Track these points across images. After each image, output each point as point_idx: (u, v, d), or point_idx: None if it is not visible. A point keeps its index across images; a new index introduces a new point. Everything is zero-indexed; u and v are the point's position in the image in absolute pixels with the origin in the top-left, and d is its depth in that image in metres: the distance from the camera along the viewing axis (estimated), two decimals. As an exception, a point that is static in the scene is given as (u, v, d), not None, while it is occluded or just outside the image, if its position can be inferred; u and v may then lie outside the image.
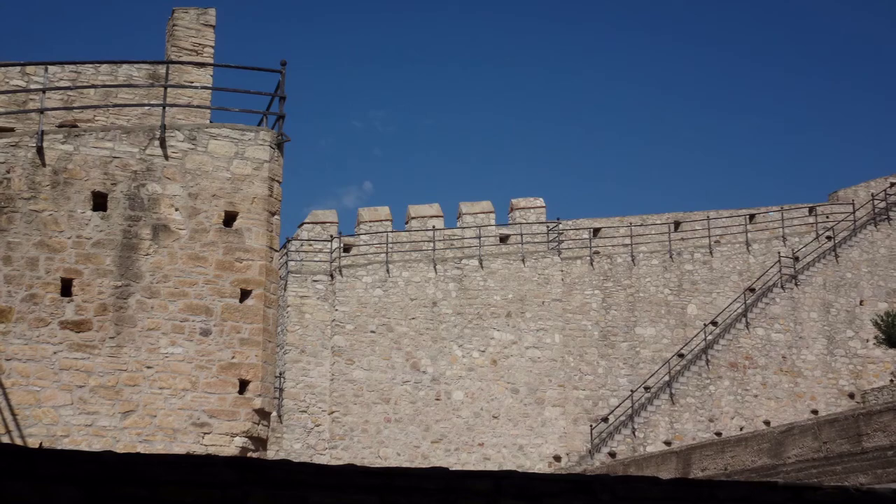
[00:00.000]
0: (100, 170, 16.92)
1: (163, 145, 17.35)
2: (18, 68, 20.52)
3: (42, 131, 16.92)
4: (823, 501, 7.59)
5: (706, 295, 39.91)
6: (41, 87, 18.82)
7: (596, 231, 39.89)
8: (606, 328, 38.47)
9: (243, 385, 16.87)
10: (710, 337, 38.81)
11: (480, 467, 34.53)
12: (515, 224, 39.00)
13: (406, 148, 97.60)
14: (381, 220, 37.54)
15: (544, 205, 39.71)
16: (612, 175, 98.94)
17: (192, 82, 21.71)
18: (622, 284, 39.17)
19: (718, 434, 36.08)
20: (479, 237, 38.02)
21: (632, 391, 37.18)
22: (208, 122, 20.09)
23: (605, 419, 37.01)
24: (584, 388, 37.51)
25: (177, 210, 17.14)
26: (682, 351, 38.44)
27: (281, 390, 33.33)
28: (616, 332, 38.52)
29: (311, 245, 36.43)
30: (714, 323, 39.01)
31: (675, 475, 26.74)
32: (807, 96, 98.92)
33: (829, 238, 42.04)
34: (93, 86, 20.84)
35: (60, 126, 19.10)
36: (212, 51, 22.37)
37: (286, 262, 35.37)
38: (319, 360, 34.94)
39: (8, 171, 16.48)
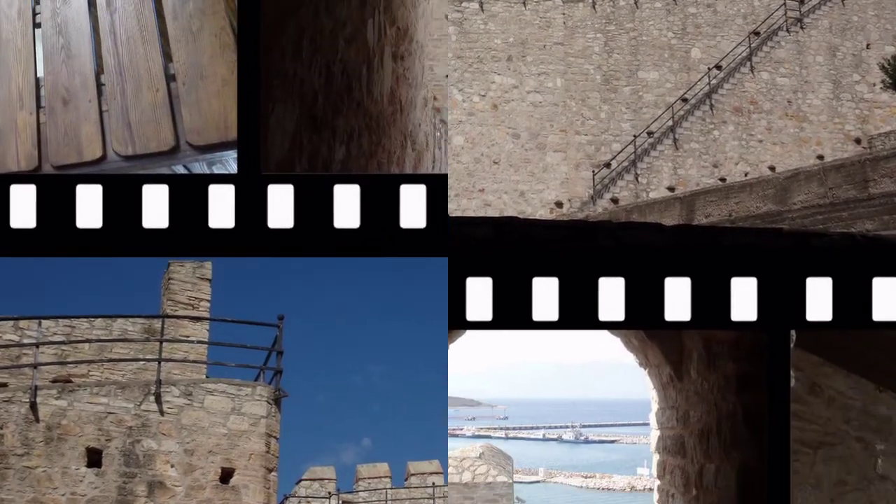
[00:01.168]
0: (94, 426, 16.83)
1: (158, 401, 17.20)
2: (11, 322, 20.50)
3: (36, 386, 16.73)
4: (829, 248, 7.43)
5: (710, 38, 39.28)
6: (35, 341, 18.86)
7: (600, -28, 39.02)
8: (609, 72, 38.01)
9: None
10: (713, 81, 38.32)
11: (481, 213, 34.63)
12: (517, -35, 38.12)
13: (405, 400, 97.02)
14: (379, 477, 36.86)
15: (547, -56, 38.74)
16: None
17: (188, 336, 21.74)
18: (625, 28, 38.51)
19: (723, 180, 36.01)
20: (480, -21, 37.20)
21: (634, 136, 36.95)
22: (204, 376, 20.40)
23: (608, 165, 36.90)
24: (587, 133, 37.31)
25: (172, 466, 17.08)
26: (686, 95, 38.05)
27: None
28: (618, 77, 38.08)
29: (308, 502, 35.87)
30: (718, 67, 38.50)
31: (679, 221, 26.77)
32: None
33: (838, -21, 41.08)
34: (87, 340, 20.77)
35: (54, 381, 19.11)
36: (208, 304, 22.40)
37: (284, 519, 34.85)
38: None
39: (1, 427, 16.41)
